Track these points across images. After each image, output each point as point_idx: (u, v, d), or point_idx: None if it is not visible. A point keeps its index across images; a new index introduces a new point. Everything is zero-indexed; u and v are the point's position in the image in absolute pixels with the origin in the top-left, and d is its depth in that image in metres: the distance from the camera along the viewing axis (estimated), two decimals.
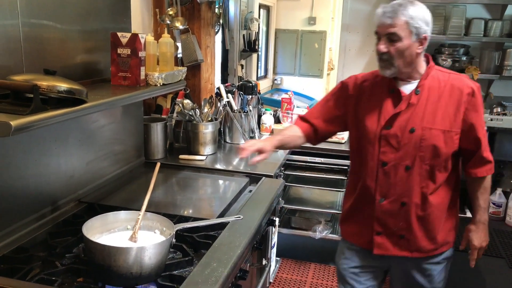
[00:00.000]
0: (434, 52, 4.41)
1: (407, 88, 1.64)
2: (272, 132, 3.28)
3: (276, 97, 4.44)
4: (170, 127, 2.68)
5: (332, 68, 4.85)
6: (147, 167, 2.35)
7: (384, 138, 1.64)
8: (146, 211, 1.49)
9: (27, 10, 1.45)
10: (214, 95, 2.88)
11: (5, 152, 1.45)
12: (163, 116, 2.66)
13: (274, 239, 2.30)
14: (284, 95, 3.68)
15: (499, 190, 4.07)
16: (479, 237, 1.74)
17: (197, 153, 2.60)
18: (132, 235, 1.44)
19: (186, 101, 2.58)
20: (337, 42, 4.86)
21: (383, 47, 1.56)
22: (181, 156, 2.54)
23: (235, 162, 2.57)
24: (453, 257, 1.79)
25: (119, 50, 1.75)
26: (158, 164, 1.66)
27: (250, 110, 2.99)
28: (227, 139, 2.99)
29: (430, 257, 1.73)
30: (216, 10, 3.06)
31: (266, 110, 3.35)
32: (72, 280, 1.34)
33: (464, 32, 4.19)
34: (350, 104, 1.75)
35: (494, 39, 4.18)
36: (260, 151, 1.72)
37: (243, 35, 3.74)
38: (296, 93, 4.28)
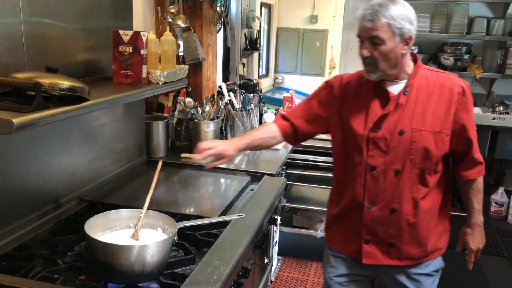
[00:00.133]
0: (436, 51, 4.41)
1: (395, 89, 1.55)
2: None
3: (277, 95, 4.45)
4: (172, 125, 2.67)
5: (333, 67, 4.85)
6: (149, 165, 2.35)
7: (372, 141, 1.54)
8: (148, 209, 1.49)
9: (29, 8, 1.45)
10: (215, 94, 2.88)
11: (7, 150, 1.45)
12: (165, 115, 2.66)
13: (276, 238, 2.31)
14: (285, 94, 3.69)
15: (501, 189, 4.06)
16: (475, 240, 1.69)
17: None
18: (134, 233, 1.44)
19: (188, 99, 2.58)
20: (339, 40, 4.86)
21: (365, 52, 1.48)
22: (183, 155, 2.53)
23: (237, 161, 2.57)
24: (443, 267, 1.71)
25: (121, 48, 1.75)
26: (160, 162, 1.66)
27: (252, 109, 2.98)
28: (229, 138, 2.98)
29: (420, 264, 1.64)
30: (218, 8, 3.06)
31: (267, 108, 3.34)
32: (74, 278, 1.34)
33: (467, 30, 4.18)
34: (335, 105, 1.65)
35: (497, 38, 4.17)
36: (220, 156, 1.58)
37: (245, 34, 3.74)
38: (297, 92, 4.27)
